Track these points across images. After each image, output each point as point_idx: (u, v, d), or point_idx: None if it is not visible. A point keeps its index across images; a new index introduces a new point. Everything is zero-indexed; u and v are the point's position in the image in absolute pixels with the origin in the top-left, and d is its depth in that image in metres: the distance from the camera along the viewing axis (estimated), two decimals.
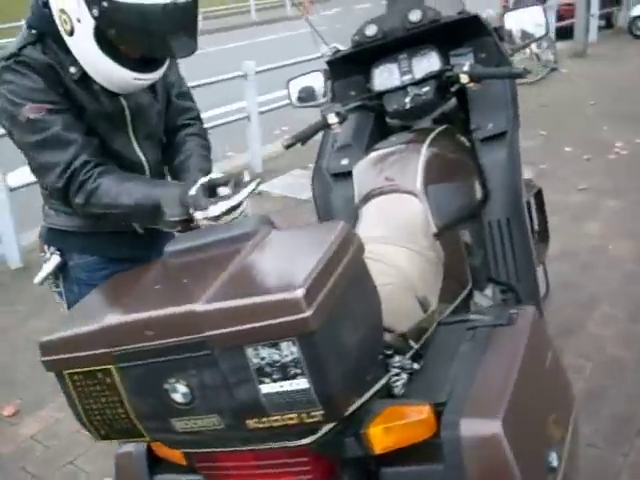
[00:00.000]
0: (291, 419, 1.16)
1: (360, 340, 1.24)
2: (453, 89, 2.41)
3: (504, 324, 1.60)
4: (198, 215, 1.68)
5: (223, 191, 1.71)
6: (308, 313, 1.06)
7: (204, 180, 1.72)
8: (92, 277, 2.05)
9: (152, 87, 2.02)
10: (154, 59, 1.86)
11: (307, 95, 2.71)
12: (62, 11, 1.77)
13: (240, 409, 1.17)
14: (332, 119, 2.36)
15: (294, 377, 1.11)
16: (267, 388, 1.13)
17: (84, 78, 1.87)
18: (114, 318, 1.20)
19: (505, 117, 2.38)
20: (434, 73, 2.40)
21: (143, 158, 2.05)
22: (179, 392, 1.18)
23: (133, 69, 1.83)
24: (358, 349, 1.23)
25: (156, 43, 1.77)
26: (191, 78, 2.47)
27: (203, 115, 2.26)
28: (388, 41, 2.48)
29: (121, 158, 1.98)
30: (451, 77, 2.33)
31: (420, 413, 1.34)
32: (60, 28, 1.81)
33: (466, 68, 2.28)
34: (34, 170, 1.93)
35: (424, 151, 2.20)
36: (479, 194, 2.35)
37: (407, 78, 2.46)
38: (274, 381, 1.12)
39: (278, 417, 1.16)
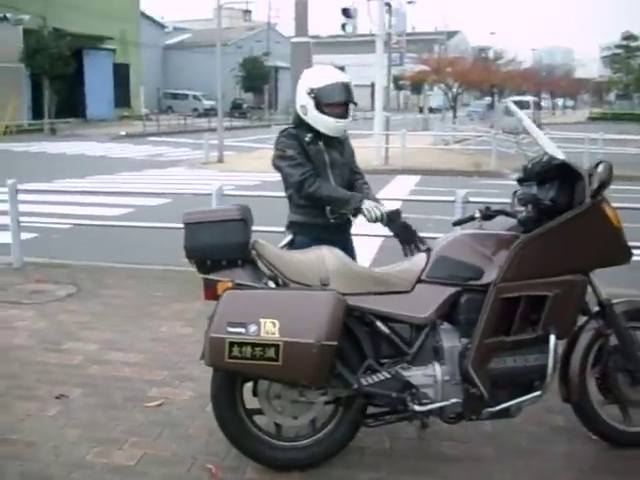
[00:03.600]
0: None
1: (221, 244, 3.30)
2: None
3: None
4: (365, 206, 3.85)
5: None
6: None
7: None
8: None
9: (342, 152, 4.16)
10: (343, 114, 4.00)
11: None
12: (302, 106, 4.01)
13: None
14: (476, 214, 3.82)
15: None
16: None
17: (312, 141, 4.01)
18: None
19: None
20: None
21: (333, 183, 4.06)
22: None
23: (335, 117, 3.96)
24: (216, 245, 3.30)
25: (338, 101, 3.96)
26: None
27: None
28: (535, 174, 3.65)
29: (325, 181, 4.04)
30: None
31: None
32: (301, 115, 4.03)
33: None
34: (287, 176, 4.02)
35: (461, 233, 3.68)
36: (487, 279, 3.43)
37: None
38: None
39: None
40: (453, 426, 3.78)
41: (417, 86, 64.79)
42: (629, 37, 79.08)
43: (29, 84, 38.65)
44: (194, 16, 74.01)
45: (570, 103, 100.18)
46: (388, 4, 21.00)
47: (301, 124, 4.05)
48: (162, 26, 66.51)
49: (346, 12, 19.42)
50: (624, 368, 3.74)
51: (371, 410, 3.59)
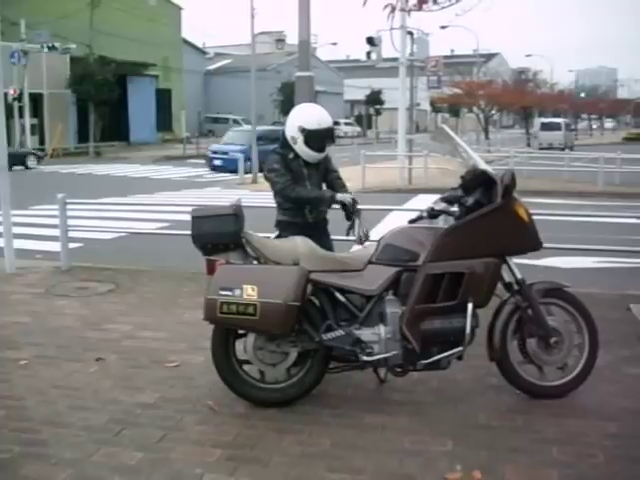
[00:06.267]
0: None
1: (218, 232, 4.48)
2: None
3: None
4: (339, 197, 5.14)
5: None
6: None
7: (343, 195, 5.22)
8: None
9: (317, 167, 5.30)
10: (322, 148, 5.19)
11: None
12: (292, 137, 5.18)
13: None
14: (424, 214, 4.77)
15: None
16: None
17: (294, 159, 5.19)
18: None
19: None
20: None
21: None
22: None
23: (316, 151, 5.19)
24: (214, 233, 4.49)
25: (321, 142, 5.19)
26: None
27: None
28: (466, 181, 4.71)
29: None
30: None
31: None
32: (290, 142, 5.20)
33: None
34: (273, 184, 5.20)
35: (403, 226, 4.82)
36: (420, 260, 4.52)
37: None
38: None
39: None
40: (405, 381, 4.87)
41: (454, 108, 65.67)
42: None
43: (75, 109, 40.66)
44: (235, 41, 75.70)
45: (610, 124, 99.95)
46: (410, 33, 22.19)
47: (286, 145, 5.20)
48: (203, 52, 68.53)
49: (371, 41, 20.66)
50: (537, 334, 4.77)
51: (333, 364, 4.69)
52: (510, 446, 4.15)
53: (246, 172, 24.02)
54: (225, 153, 28.13)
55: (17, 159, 31.49)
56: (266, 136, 26.81)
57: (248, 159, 24.89)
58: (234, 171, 24.86)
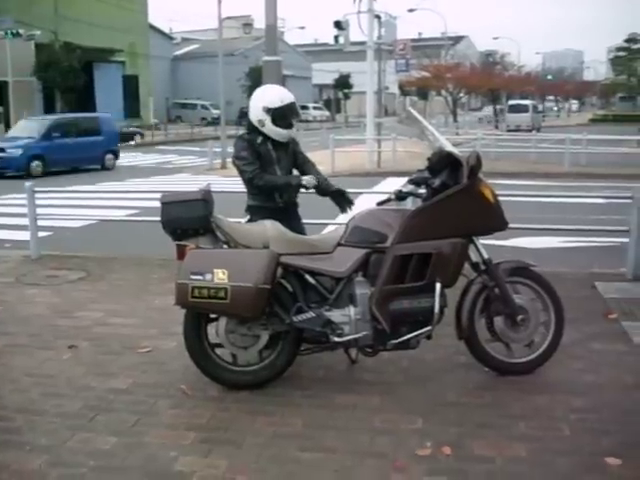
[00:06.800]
0: None
1: (187, 217, 4.51)
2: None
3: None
4: (304, 180, 5.22)
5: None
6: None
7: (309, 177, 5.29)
8: None
9: (286, 150, 5.36)
10: (290, 125, 5.26)
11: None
12: (259, 120, 5.22)
13: None
14: (392, 196, 4.84)
15: None
16: None
17: (262, 143, 5.23)
18: None
19: None
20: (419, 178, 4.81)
21: (279, 174, 5.31)
22: None
23: (285, 128, 5.24)
24: (183, 218, 4.52)
25: (288, 118, 5.25)
26: None
27: None
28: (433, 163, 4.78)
29: (273, 174, 5.28)
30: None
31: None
32: (258, 126, 5.23)
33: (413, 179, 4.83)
34: (242, 173, 5.23)
35: (371, 208, 4.86)
36: (389, 242, 4.59)
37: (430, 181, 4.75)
38: None
39: None
40: (376, 362, 4.95)
41: (422, 92, 65.71)
42: (631, 39, 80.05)
43: (41, 97, 40.14)
44: (202, 26, 75.03)
45: (575, 106, 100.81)
46: (378, 16, 22.21)
47: (254, 130, 5.23)
48: (170, 38, 68.00)
49: (338, 24, 20.68)
50: (504, 313, 4.86)
51: (304, 346, 4.76)
52: (478, 422, 4.24)
53: (29, 175, 19.81)
54: (1, 150, 21.46)
55: (127, 138, 34.41)
56: (64, 126, 23.20)
57: (36, 157, 21.03)
58: (17, 175, 20.48)
